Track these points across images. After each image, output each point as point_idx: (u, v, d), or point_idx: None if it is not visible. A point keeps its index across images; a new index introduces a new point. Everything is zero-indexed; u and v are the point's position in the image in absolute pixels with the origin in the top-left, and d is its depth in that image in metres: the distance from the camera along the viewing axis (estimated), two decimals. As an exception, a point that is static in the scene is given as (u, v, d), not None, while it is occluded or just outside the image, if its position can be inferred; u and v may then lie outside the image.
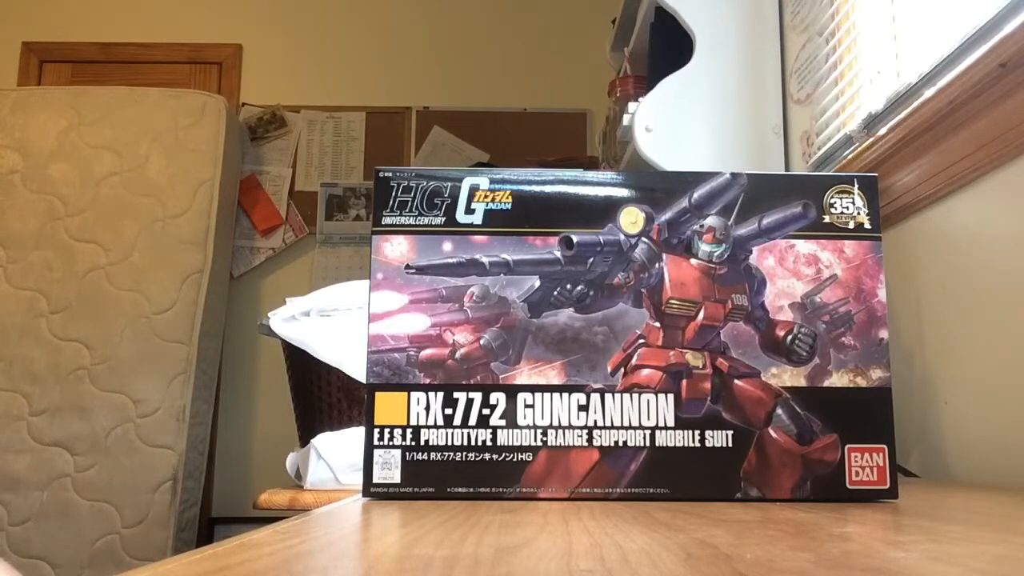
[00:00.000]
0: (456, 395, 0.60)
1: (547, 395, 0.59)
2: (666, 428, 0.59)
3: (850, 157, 1.17)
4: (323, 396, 1.24)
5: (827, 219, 0.62)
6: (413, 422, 0.59)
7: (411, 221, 0.62)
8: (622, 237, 0.61)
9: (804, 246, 0.61)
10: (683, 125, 1.47)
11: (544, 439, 0.59)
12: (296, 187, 3.17)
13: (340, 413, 1.23)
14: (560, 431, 0.59)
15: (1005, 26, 0.87)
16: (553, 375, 0.60)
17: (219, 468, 2.97)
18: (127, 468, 2.45)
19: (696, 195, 0.62)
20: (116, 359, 2.52)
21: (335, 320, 1.23)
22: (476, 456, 0.59)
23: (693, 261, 0.61)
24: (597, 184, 0.62)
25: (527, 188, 0.62)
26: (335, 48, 3.25)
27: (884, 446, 0.59)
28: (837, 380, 0.60)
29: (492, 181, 0.62)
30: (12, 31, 3.23)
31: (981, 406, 0.90)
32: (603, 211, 0.61)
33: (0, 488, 2.41)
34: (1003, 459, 0.85)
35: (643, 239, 0.61)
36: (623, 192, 0.62)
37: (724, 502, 0.57)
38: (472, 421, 0.59)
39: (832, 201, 0.62)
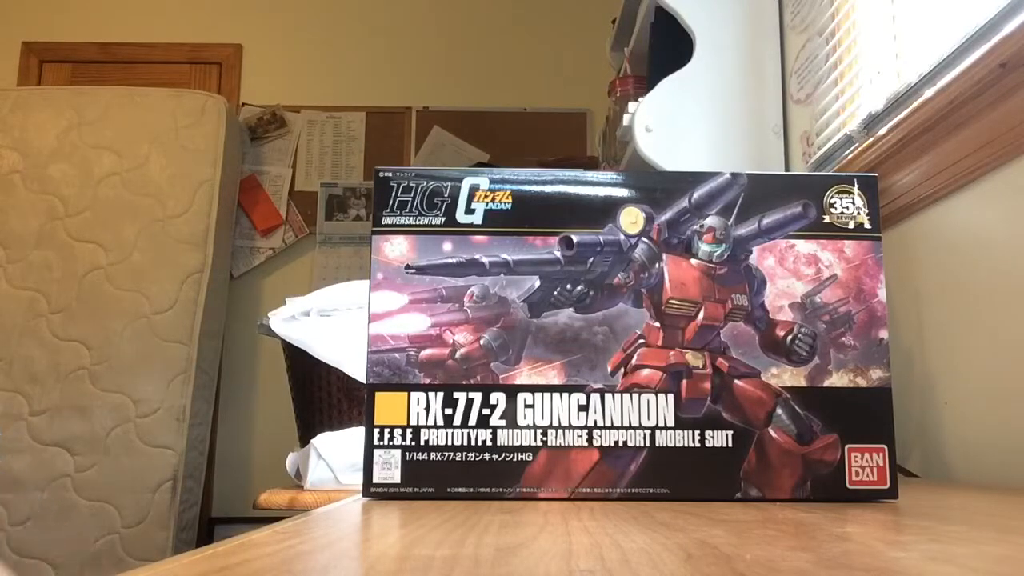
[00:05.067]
0: (456, 395, 0.60)
1: (547, 395, 0.59)
2: (666, 428, 0.59)
3: (850, 157, 1.17)
4: (323, 396, 1.24)
5: (827, 219, 0.62)
6: (413, 422, 0.59)
7: (411, 221, 0.62)
8: (622, 237, 0.61)
9: (804, 246, 0.61)
10: (683, 125, 1.47)
11: (544, 439, 0.59)
12: (296, 187, 3.17)
13: (340, 413, 1.23)
14: (560, 431, 0.59)
15: (1005, 26, 0.87)
16: (553, 375, 0.60)
17: (219, 468, 2.97)
18: (127, 468, 2.45)
19: (696, 195, 0.62)
20: (116, 359, 2.52)
21: (335, 320, 1.23)
22: (476, 456, 0.59)
23: (693, 261, 0.61)
24: (597, 184, 0.62)
25: (527, 188, 0.62)
26: (335, 48, 3.25)
27: (884, 446, 0.59)
28: (837, 380, 0.60)
29: (492, 181, 0.62)
30: (12, 31, 3.23)
31: (981, 406, 0.90)
32: (603, 211, 0.61)
33: (0, 488, 2.41)
34: (1003, 459, 0.85)
35: (643, 239, 0.61)
36: (623, 192, 0.62)
37: (724, 502, 0.57)
38: (472, 421, 0.59)
39: (832, 201, 0.62)
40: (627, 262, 0.61)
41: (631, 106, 1.50)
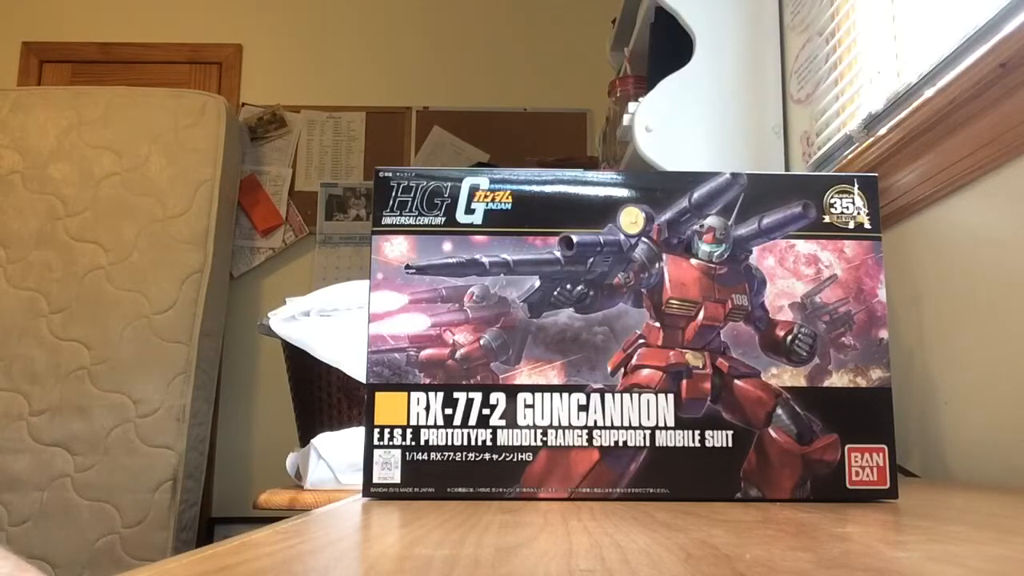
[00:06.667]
0: (456, 395, 0.60)
1: (547, 395, 0.59)
2: (666, 428, 0.59)
3: (850, 157, 1.17)
4: (323, 396, 1.24)
5: (827, 219, 0.62)
6: (413, 422, 0.59)
7: (411, 221, 0.62)
8: (622, 237, 0.61)
9: (804, 246, 0.61)
10: (683, 125, 1.47)
11: (544, 439, 0.59)
12: (296, 187, 3.17)
13: (340, 413, 1.23)
14: (560, 431, 0.59)
15: (1005, 26, 0.87)
16: (553, 375, 0.60)
17: (219, 468, 2.97)
18: (127, 468, 2.45)
19: (696, 195, 0.62)
20: (116, 359, 2.52)
21: (335, 320, 1.23)
22: (476, 456, 0.59)
23: (693, 261, 0.61)
24: (597, 184, 0.62)
25: (527, 188, 0.62)
26: (335, 48, 3.25)
27: (884, 446, 0.59)
28: (837, 380, 0.60)
29: (492, 181, 0.62)
30: (12, 31, 3.23)
31: (981, 406, 0.90)
32: (603, 211, 0.61)
33: (0, 488, 2.41)
34: (1003, 459, 0.85)
35: (643, 239, 0.61)
36: (623, 192, 0.62)
37: (724, 502, 0.57)
38: (472, 421, 0.59)
39: (832, 201, 0.62)
40: (627, 262, 0.61)
41: (631, 106, 1.50)
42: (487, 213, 0.62)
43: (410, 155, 3.19)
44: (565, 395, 0.59)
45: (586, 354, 0.60)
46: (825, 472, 0.58)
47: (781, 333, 0.60)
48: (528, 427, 0.59)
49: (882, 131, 1.08)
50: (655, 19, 1.69)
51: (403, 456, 0.59)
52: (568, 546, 0.35)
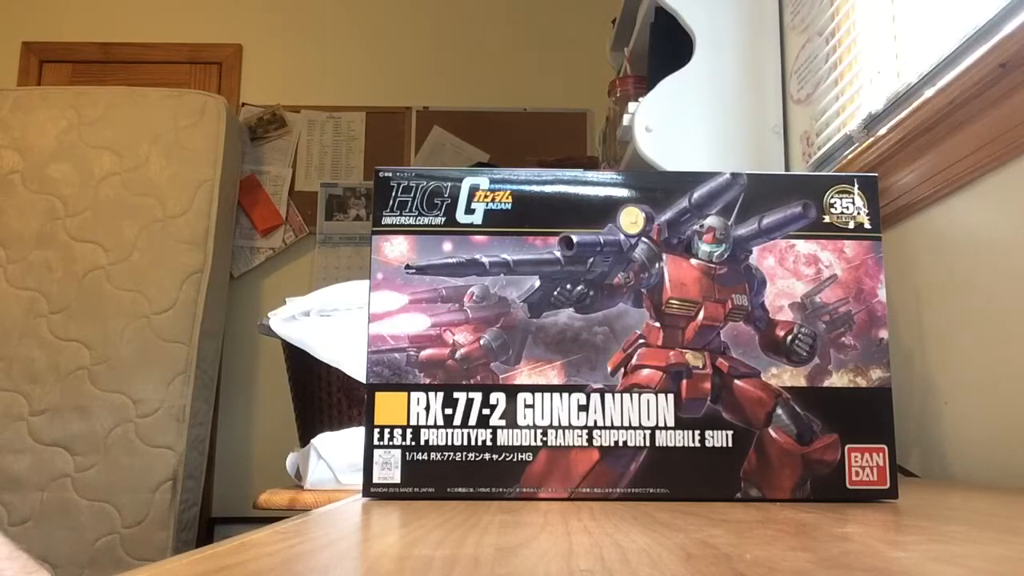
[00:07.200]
0: (456, 395, 0.60)
1: (547, 395, 0.59)
2: (666, 428, 0.59)
3: (850, 157, 1.17)
4: (323, 396, 1.24)
5: (827, 219, 0.62)
6: (413, 422, 0.59)
7: (411, 221, 0.62)
8: (622, 237, 0.61)
9: (804, 246, 0.61)
10: (683, 125, 1.47)
11: (544, 439, 0.59)
12: (296, 187, 3.17)
13: (340, 413, 1.23)
14: (560, 431, 0.59)
15: (1005, 26, 0.87)
16: (553, 375, 0.60)
17: (219, 468, 2.97)
18: (127, 468, 2.45)
19: (696, 195, 0.62)
20: (116, 359, 2.52)
21: (335, 320, 1.23)
22: (476, 456, 0.59)
23: (693, 261, 0.61)
24: (597, 184, 0.62)
25: (527, 188, 0.62)
26: (335, 48, 3.25)
27: (884, 446, 0.59)
28: (837, 380, 0.60)
29: (492, 181, 0.62)
30: (12, 31, 3.23)
31: (981, 406, 0.90)
32: (603, 211, 0.61)
33: (0, 488, 2.41)
34: (1003, 459, 0.85)
35: (643, 239, 0.61)
36: (623, 192, 0.62)
37: (724, 502, 0.57)
38: (472, 421, 0.59)
39: (832, 201, 0.62)
40: (627, 262, 0.61)
41: (631, 106, 1.50)
42: (487, 213, 0.62)
43: (410, 155, 3.19)
44: (565, 395, 0.59)
45: (586, 354, 0.60)
46: (825, 472, 0.58)
47: (781, 333, 0.60)
48: (528, 427, 0.59)
49: (882, 131, 1.08)
50: (655, 19, 1.69)
51: (403, 456, 0.59)
52: (568, 546, 0.35)
